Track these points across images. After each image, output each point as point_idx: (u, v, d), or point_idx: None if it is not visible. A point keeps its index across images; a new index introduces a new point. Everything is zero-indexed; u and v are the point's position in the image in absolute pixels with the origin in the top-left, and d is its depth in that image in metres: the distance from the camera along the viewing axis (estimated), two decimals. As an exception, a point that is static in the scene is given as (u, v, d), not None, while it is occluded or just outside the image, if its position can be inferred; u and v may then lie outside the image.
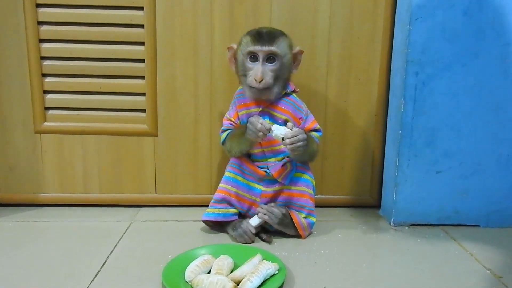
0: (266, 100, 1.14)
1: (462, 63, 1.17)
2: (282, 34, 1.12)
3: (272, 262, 0.94)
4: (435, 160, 1.22)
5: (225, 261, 0.95)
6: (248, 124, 1.08)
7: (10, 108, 1.28)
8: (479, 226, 1.27)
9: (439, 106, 1.19)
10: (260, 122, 1.05)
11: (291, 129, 1.06)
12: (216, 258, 0.96)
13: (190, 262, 0.94)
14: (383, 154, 1.35)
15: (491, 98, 1.19)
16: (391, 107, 1.28)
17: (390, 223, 1.27)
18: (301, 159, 1.15)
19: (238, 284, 0.87)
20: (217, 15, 1.26)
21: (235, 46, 1.15)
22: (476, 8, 1.14)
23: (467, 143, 1.21)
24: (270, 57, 1.09)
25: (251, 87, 1.10)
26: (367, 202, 1.39)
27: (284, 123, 1.10)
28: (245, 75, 1.12)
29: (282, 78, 1.13)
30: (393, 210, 1.26)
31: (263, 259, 0.95)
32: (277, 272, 0.92)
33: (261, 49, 1.08)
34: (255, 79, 1.08)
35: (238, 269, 0.91)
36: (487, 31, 1.15)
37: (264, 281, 0.89)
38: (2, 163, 1.31)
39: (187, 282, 0.90)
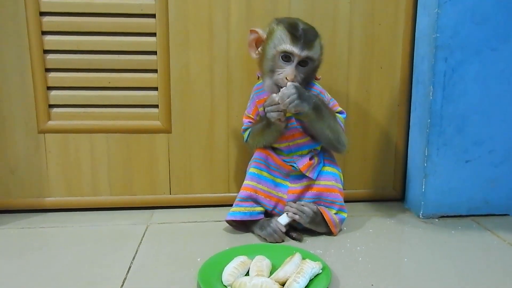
0: None
1: (492, 48, 1.13)
2: (316, 33, 1.04)
3: (314, 260, 0.87)
4: (465, 148, 1.18)
5: (263, 261, 0.88)
6: (266, 108, 1.01)
7: (10, 106, 1.18)
8: (508, 215, 1.24)
9: (469, 92, 1.15)
10: (274, 96, 0.99)
11: None
12: (251, 259, 0.90)
13: (225, 265, 0.87)
14: (407, 144, 1.30)
15: (521, 83, 1.16)
16: (417, 95, 1.24)
17: (419, 216, 1.22)
18: (322, 133, 1.05)
19: (283, 286, 0.81)
20: (233, 0, 1.19)
21: (260, 31, 1.06)
22: (506, -10, 1.10)
23: (497, 130, 1.18)
24: (305, 61, 1.03)
25: (277, 84, 1.03)
26: (390, 195, 1.34)
27: None
28: (272, 71, 1.04)
29: (310, 77, 1.07)
30: (422, 202, 1.21)
31: (304, 258, 0.89)
32: (321, 271, 0.86)
33: (299, 54, 1.00)
34: (286, 78, 1.01)
35: (281, 269, 0.84)
36: (517, 13, 1.12)
37: (310, 281, 0.83)
38: (3, 165, 1.21)
39: (225, 286, 0.83)
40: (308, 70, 1.04)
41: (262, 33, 1.06)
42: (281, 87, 1.00)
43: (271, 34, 1.04)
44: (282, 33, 1.02)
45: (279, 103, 0.98)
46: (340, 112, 1.11)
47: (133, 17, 1.18)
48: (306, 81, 1.07)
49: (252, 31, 1.07)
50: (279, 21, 1.04)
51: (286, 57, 1.02)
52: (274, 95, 1.00)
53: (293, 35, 1.00)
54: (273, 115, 1.00)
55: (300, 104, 0.97)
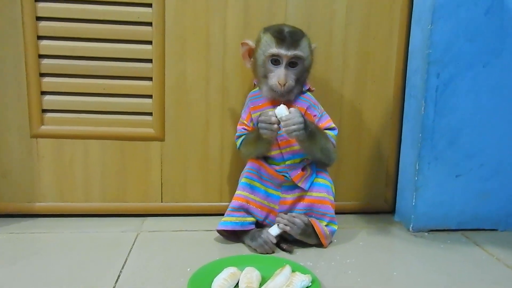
0: (283, 100, 1.08)
1: (484, 63, 1.14)
2: (303, 34, 1.08)
3: (303, 273, 0.88)
4: (456, 162, 1.19)
5: (253, 273, 0.88)
6: (259, 124, 1.03)
7: (4, 110, 1.18)
8: (497, 230, 1.25)
9: (461, 107, 1.16)
10: (271, 114, 1.00)
11: None
12: (241, 271, 0.90)
13: (215, 276, 0.87)
14: (398, 157, 1.31)
15: (513, 98, 1.17)
16: (409, 109, 1.25)
17: (409, 229, 1.23)
18: (312, 154, 1.08)
19: (272, 298, 0.81)
20: (230, 10, 1.20)
21: (250, 42, 1.10)
22: (498, 7, 1.12)
23: (488, 145, 1.19)
24: (294, 61, 1.05)
25: (273, 89, 1.05)
26: (381, 207, 1.35)
27: None
28: (265, 77, 1.07)
29: (303, 78, 1.10)
30: (412, 216, 1.22)
31: (293, 271, 0.89)
32: (310, 284, 0.86)
33: (286, 54, 1.03)
34: (278, 83, 1.03)
35: (270, 281, 0.85)
36: (509, 30, 1.13)
37: (299, 294, 0.83)
38: (-5, 170, 1.21)
39: (214, 297, 0.83)
40: (299, 71, 1.06)
41: (252, 44, 1.10)
42: (277, 91, 1.04)
43: (259, 42, 1.07)
44: (268, 38, 1.05)
45: (274, 123, 1.00)
46: (332, 129, 1.12)
47: (130, 25, 1.18)
48: (300, 82, 1.09)
49: (243, 44, 1.11)
50: (266, 29, 1.08)
51: (275, 60, 1.05)
52: (271, 112, 1.01)
53: (278, 38, 1.04)
54: (266, 133, 1.02)
55: (304, 134, 1.00)
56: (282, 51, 1.03)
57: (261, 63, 1.07)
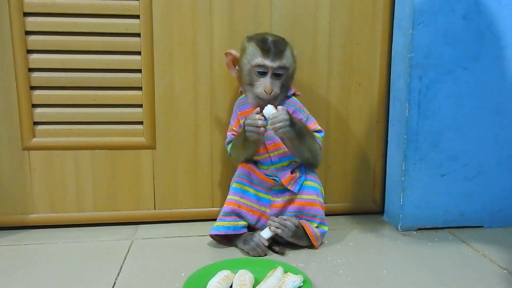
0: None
1: (464, 67, 1.18)
2: (286, 43, 1.11)
3: (295, 274, 0.90)
4: (440, 163, 1.23)
5: (246, 275, 0.90)
6: (245, 127, 1.05)
7: (-5, 124, 1.20)
8: (482, 227, 1.28)
9: (443, 109, 1.20)
10: (257, 118, 1.03)
11: None
12: (235, 274, 0.92)
13: (209, 279, 0.89)
14: (385, 159, 1.35)
15: (492, 100, 1.21)
16: (394, 112, 1.28)
17: (397, 228, 1.26)
18: (301, 153, 1.10)
19: (265, 299, 0.83)
20: (216, 21, 1.23)
21: (234, 52, 1.13)
22: (475, 13, 1.16)
23: (470, 145, 1.23)
24: (278, 70, 1.08)
25: (259, 97, 1.09)
26: (370, 208, 1.38)
27: None
28: (251, 84, 1.10)
29: (287, 85, 1.13)
30: (400, 215, 1.25)
31: (285, 272, 0.91)
32: (302, 284, 0.89)
33: (271, 65, 1.07)
34: (265, 91, 1.07)
35: (263, 283, 0.87)
36: (486, 34, 1.17)
37: (291, 294, 0.86)
38: (-13, 183, 1.22)
39: (209, 300, 0.85)
40: (283, 79, 1.10)
41: (236, 53, 1.13)
42: (263, 99, 1.07)
43: (243, 52, 1.11)
44: (253, 48, 1.08)
45: (261, 127, 1.03)
46: (318, 131, 1.15)
47: (118, 36, 1.20)
48: (285, 88, 1.12)
49: (227, 54, 1.14)
50: (250, 38, 1.12)
51: (261, 70, 1.08)
52: (257, 116, 1.03)
53: (263, 49, 1.07)
54: (252, 136, 1.04)
55: (290, 131, 1.02)
56: (268, 62, 1.07)
57: (246, 72, 1.10)
